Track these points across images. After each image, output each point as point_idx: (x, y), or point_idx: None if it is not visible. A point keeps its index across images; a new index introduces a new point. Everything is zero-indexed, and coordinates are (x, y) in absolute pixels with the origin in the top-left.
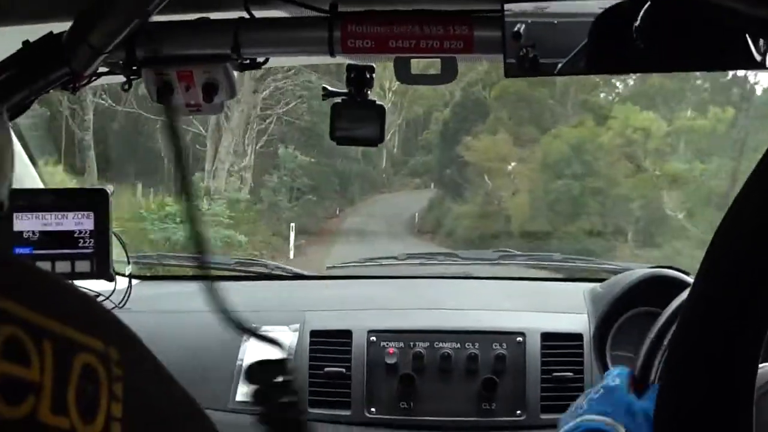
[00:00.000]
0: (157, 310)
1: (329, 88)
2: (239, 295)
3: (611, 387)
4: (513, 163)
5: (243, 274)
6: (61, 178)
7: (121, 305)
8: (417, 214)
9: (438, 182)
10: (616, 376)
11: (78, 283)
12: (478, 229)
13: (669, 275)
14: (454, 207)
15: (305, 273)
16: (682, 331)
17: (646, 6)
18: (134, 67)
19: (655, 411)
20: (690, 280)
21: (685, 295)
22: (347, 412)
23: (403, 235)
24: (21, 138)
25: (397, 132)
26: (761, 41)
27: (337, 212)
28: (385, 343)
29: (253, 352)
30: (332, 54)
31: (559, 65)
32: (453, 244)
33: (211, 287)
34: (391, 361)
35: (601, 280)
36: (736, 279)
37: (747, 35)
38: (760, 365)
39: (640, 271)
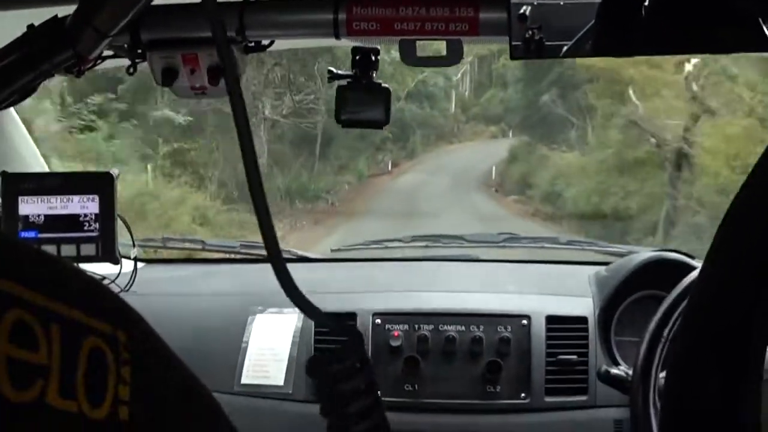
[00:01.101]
0: (163, 293)
1: (335, 70)
2: (244, 277)
3: None
4: (693, 61)
5: (247, 256)
6: None
7: (126, 288)
8: (494, 169)
9: (520, 126)
10: None
11: (83, 266)
12: (613, 195)
13: (673, 258)
14: (552, 155)
15: (310, 256)
16: (690, 313)
17: None
18: (139, 51)
19: (662, 396)
20: (694, 263)
21: (689, 278)
22: None
23: (477, 200)
24: (25, 122)
25: (468, 71)
26: None
27: (389, 168)
28: (389, 326)
29: (258, 334)
30: (338, 36)
31: (565, 47)
32: (565, 223)
33: (282, 272)
34: (395, 343)
35: (606, 264)
36: (749, 259)
37: (758, 16)
38: None
39: (645, 254)
